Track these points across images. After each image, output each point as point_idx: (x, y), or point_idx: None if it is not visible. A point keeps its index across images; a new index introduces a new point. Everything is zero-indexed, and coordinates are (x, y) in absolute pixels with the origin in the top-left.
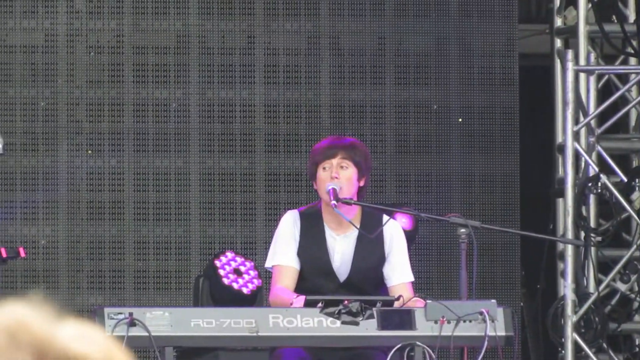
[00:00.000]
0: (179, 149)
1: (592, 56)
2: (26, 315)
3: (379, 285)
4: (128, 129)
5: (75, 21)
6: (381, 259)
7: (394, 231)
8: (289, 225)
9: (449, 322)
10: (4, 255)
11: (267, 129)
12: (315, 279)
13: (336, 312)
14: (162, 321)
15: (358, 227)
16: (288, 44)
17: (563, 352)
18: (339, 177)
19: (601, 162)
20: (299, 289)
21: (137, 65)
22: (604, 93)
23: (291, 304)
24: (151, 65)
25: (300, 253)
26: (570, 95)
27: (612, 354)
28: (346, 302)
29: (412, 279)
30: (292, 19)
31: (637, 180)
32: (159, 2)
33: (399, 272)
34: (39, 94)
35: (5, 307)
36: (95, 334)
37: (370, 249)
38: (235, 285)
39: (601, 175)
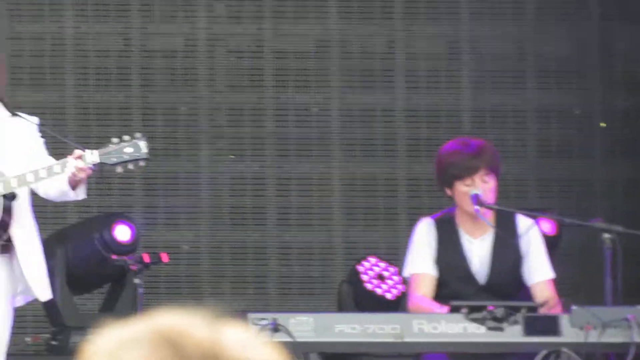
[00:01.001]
0: (320, 154)
1: None
2: (186, 322)
3: (519, 285)
4: (269, 134)
5: (215, 26)
6: (519, 259)
7: (530, 230)
8: (423, 234)
9: (594, 329)
10: (147, 260)
11: (408, 134)
12: (454, 284)
13: (481, 317)
14: (306, 327)
15: (495, 229)
16: (428, 48)
17: None
18: (482, 190)
19: None
20: (439, 295)
21: (277, 69)
22: None
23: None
24: (292, 70)
25: (438, 260)
26: None
27: None
28: (491, 307)
29: (552, 275)
30: (432, 22)
31: None
32: (299, 6)
33: (538, 270)
34: (179, 98)
35: (159, 316)
36: (259, 339)
37: (507, 250)
38: (378, 291)
39: None
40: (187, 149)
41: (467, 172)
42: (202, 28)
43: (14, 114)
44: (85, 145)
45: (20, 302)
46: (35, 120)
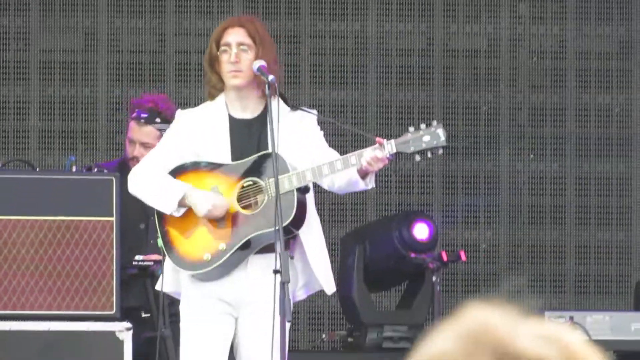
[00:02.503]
0: (620, 154)
1: None
2: (489, 317)
3: None
4: (570, 134)
5: (518, 26)
6: None
7: None
8: None
9: None
10: (445, 259)
11: None
12: None
13: None
14: (602, 325)
15: None
16: None
17: None
18: None
19: None
20: None
21: (579, 70)
22: None
23: None
24: (593, 70)
25: None
26: None
27: None
28: None
29: None
30: None
31: None
32: (602, 7)
33: None
34: (481, 98)
35: (469, 311)
36: (559, 335)
37: None
38: None
39: None
40: (487, 147)
41: None
42: (505, 28)
43: (293, 108)
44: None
45: (302, 296)
46: (314, 112)
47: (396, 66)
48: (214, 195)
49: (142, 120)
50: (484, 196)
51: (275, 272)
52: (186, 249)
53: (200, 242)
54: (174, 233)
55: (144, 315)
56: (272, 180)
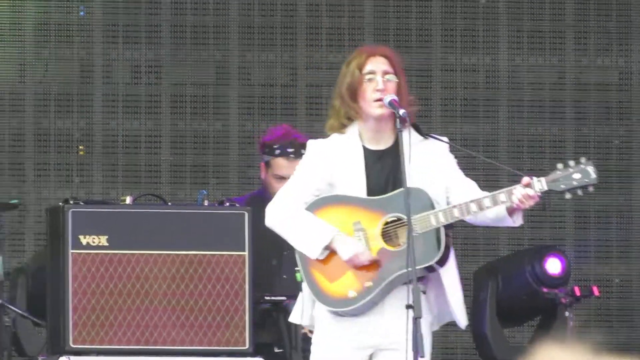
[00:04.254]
0: None
1: None
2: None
3: None
4: None
5: None
6: None
7: None
8: None
9: None
10: (578, 293)
11: None
12: None
13: None
14: None
15: None
16: None
17: None
18: None
19: None
20: None
21: None
22: None
23: None
24: None
25: None
26: None
27: None
28: None
29: None
30: None
31: None
32: None
33: None
34: (613, 131)
35: (539, 351)
36: None
37: None
38: None
39: None
40: (619, 181)
41: None
42: (637, 61)
43: (425, 137)
44: (515, 176)
45: (435, 327)
46: (445, 139)
47: (527, 100)
48: (359, 244)
49: (292, 156)
50: (616, 230)
51: (408, 307)
52: (329, 286)
53: (345, 279)
54: (316, 269)
55: (276, 350)
56: (418, 216)
